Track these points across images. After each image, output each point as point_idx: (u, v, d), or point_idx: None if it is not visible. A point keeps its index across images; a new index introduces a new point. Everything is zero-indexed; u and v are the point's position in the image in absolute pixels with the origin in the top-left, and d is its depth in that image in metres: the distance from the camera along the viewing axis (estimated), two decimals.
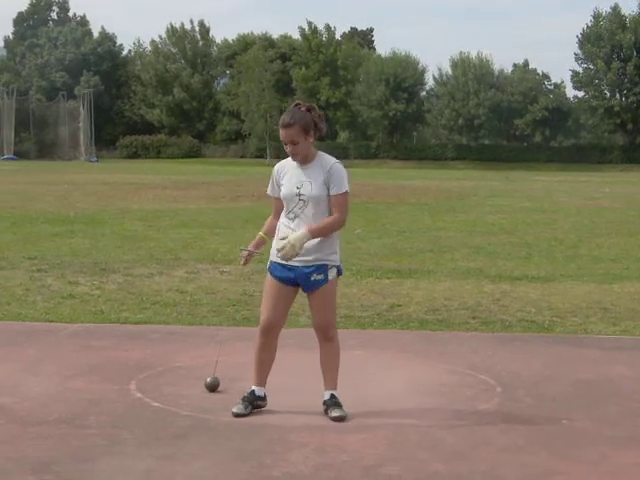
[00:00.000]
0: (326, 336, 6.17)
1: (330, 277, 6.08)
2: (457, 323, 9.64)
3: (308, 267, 6.05)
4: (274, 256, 6.15)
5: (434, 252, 15.90)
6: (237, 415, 6.08)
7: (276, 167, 6.28)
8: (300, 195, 6.04)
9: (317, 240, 6.01)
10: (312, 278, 6.05)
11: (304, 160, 6.07)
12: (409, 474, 5.06)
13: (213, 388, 6.64)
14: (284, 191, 6.11)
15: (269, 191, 6.31)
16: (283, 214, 6.17)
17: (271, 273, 6.19)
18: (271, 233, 6.26)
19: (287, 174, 6.14)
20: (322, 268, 6.06)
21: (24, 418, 6.02)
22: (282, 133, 6.03)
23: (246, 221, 20.97)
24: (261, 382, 6.26)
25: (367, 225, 20.83)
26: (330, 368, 6.24)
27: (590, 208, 27.62)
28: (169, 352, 8.01)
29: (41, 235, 17.72)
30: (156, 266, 13.50)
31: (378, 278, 12.69)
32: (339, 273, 6.18)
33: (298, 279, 6.09)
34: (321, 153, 6.13)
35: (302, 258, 6.01)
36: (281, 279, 6.13)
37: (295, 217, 6.06)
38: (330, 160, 6.08)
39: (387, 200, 29.84)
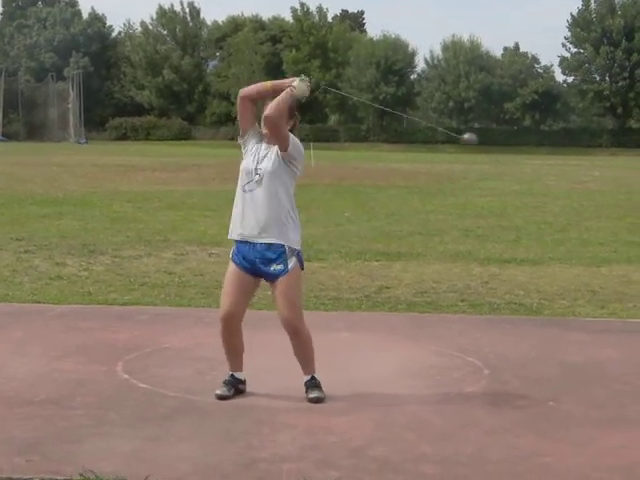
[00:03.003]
0: (291, 330, 6.06)
1: (290, 266, 5.97)
2: (445, 305, 9.64)
3: (266, 246, 5.94)
4: (235, 235, 6.08)
5: (423, 235, 15.91)
6: (221, 397, 6.07)
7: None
8: (257, 170, 6.00)
9: (275, 219, 5.94)
10: (272, 268, 5.97)
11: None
12: (396, 455, 5.06)
13: None
14: (244, 163, 6.09)
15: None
16: (239, 188, 6.10)
17: (233, 260, 6.12)
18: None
19: (252, 147, 6.09)
20: (282, 257, 5.96)
21: (11, 399, 6.00)
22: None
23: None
24: (237, 368, 6.23)
25: (356, 208, 20.82)
26: (304, 358, 6.18)
27: (579, 191, 27.66)
28: (157, 333, 7.99)
29: (29, 216, 17.66)
30: (144, 248, 13.48)
31: (367, 261, 12.69)
32: (300, 264, 6.07)
33: (258, 265, 5.99)
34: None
35: (260, 234, 5.95)
36: (242, 267, 6.04)
37: (250, 191, 6.01)
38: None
39: (377, 183, 29.81)
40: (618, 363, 7.29)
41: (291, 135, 6.00)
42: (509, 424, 5.67)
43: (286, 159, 5.98)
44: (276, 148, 5.98)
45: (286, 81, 6.08)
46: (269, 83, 6.11)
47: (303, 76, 6.06)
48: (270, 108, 5.89)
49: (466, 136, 7.11)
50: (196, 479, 4.63)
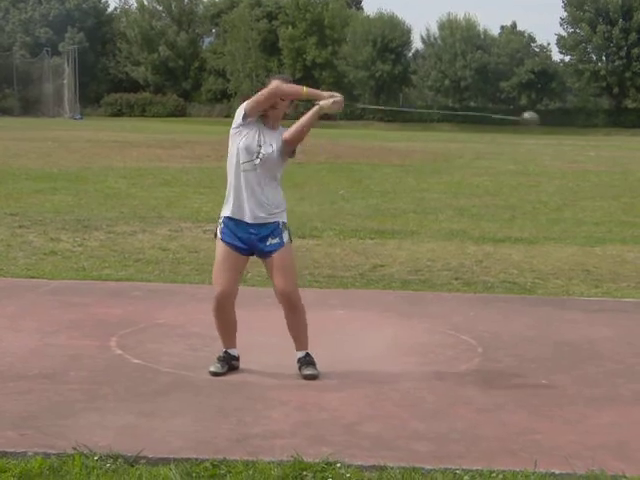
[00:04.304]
0: (289, 303, 6.08)
1: (285, 239, 6.07)
2: (440, 284, 9.65)
3: (263, 226, 5.99)
4: (229, 212, 6.06)
5: (418, 213, 15.91)
6: (215, 374, 6.09)
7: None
8: (259, 153, 6.00)
9: (273, 201, 6.02)
10: (267, 243, 6.01)
11: (275, 122, 6.08)
12: (389, 432, 5.07)
13: None
14: (245, 142, 6.01)
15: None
16: (234, 165, 6.05)
17: (223, 239, 6.09)
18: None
19: (252, 127, 6.03)
20: (276, 231, 6.02)
21: (4, 373, 6.01)
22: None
23: None
24: (231, 344, 6.25)
25: (351, 186, 20.80)
26: (298, 333, 6.20)
27: (575, 171, 27.63)
28: (150, 309, 7.99)
29: (23, 192, 17.62)
30: (139, 224, 13.47)
31: (361, 239, 12.69)
32: (290, 238, 6.16)
33: (252, 244, 6.01)
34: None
35: (257, 216, 5.97)
36: (234, 247, 6.04)
37: (247, 171, 5.98)
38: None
39: (372, 161, 29.76)
40: (611, 342, 7.31)
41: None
42: (502, 402, 5.69)
43: (287, 150, 6.08)
44: (281, 138, 6.04)
45: (323, 94, 6.08)
46: (305, 90, 6.06)
47: (336, 95, 6.04)
48: (295, 135, 6.03)
49: (526, 115, 6.76)
50: (189, 454, 4.64)
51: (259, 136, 6.03)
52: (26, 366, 6.18)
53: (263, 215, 6.00)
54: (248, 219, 5.99)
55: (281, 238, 6.04)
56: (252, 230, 6.00)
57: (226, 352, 6.22)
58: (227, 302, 6.13)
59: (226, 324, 6.22)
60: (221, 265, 6.10)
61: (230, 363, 6.19)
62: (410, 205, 17.12)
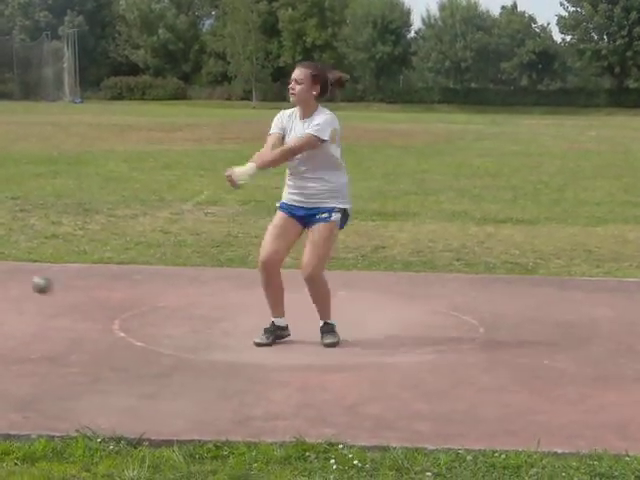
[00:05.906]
0: (305, 275, 6.27)
1: (333, 218, 6.29)
2: (441, 265, 9.64)
3: (314, 209, 6.30)
4: (286, 198, 6.38)
5: (419, 195, 15.88)
6: (258, 344, 6.24)
7: (281, 113, 6.44)
8: None
9: (320, 186, 6.28)
10: (317, 215, 6.26)
11: (304, 111, 6.26)
12: (390, 413, 5.08)
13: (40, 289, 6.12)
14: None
15: (273, 129, 6.38)
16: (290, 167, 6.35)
17: (281, 208, 6.37)
18: (260, 163, 6.27)
19: (293, 128, 6.31)
20: (327, 209, 6.29)
21: (6, 357, 6.01)
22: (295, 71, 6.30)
23: (231, 163, 20.68)
24: (278, 313, 6.38)
25: (353, 168, 20.59)
26: (318, 304, 6.41)
27: (576, 151, 27.58)
28: (152, 292, 7.99)
29: (24, 175, 17.61)
30: (140, 207, 13.46)
31: (363, 220, 12.67)
32: (344, 220, 6.42)
33: (305, 217, 6.30)
34: (322, 109, 6.29)
35: (308, 200, 6.28)
36: (291, 214, 6.31)
37: (300, 164, 6.28)
38: (323, 110, 6.28)
39: (373, 143, 29.72)
40: (613, 322, 7.31)
41: (324, 117, 6.25)
42: (504, 382, 5.69)
43: None
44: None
45: None
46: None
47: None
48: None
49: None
50: (192, 436, 4.64)
51: (298, 132, 6.28)
52: (28, 349, 6.19)
53: (313, 200, 6.35)
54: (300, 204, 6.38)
55: (330, 215, 6.32)
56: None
57: (272, 323, 6.37)
58: (269, 267, 6.32)
59: (270, 291, 6.38)
60: (270, 231, 6.37)
61: (276, 334, 6.34)
62: (411, 186, 17.10)
